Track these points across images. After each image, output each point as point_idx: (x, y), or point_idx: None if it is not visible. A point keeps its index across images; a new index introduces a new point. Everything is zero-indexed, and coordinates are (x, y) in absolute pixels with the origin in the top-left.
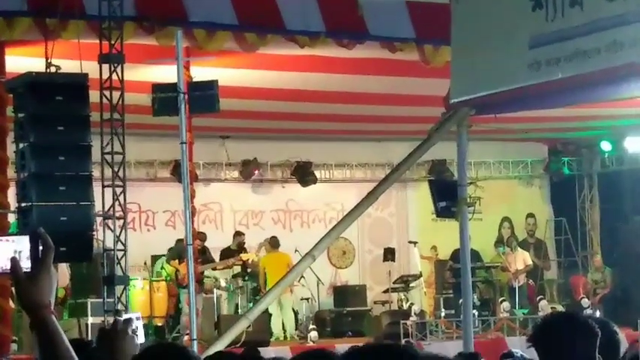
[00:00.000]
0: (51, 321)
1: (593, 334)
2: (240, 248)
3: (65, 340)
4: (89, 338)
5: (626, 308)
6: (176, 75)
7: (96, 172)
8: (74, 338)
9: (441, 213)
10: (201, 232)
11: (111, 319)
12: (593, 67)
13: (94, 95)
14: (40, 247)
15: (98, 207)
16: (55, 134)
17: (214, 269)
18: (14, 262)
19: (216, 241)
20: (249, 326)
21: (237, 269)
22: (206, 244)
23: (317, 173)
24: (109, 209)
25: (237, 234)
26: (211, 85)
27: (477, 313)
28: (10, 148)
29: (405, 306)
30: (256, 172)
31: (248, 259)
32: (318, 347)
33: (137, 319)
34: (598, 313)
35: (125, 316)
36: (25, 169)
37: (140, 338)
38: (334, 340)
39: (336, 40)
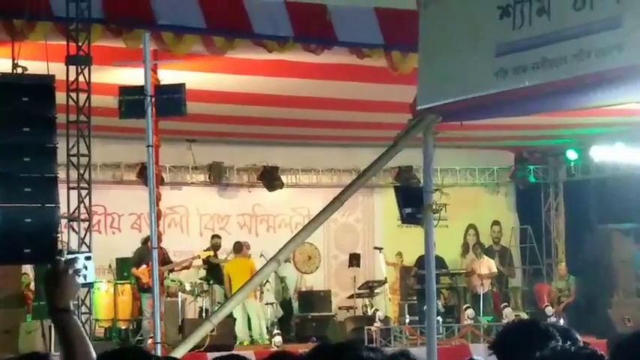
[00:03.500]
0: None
1: (553, 341)
2: (215, 250)
3: (83, 338)
4: (52, 340)
5: (590, 317)
6: (143, 78)
7: (61, 174)
8: (33, 352)
9: (407, 219)
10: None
11: None
12: (559, 75)
13: (60, 97)
14: None
15: (63, 209)
16: (21, 135)
17: (172, 271)
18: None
19: (182, 245)
20: (214, 330)
21: (203, 273)
22: (171, 247)
23: (283, 178)
24: (74, 211)
25: (214, 237)
26: (178, 88)
27: (441, 320)
28: None
29: (370, 312)
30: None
31: (207, 257)
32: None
33: (87, 258)
34: (562, 322)
35: (69, 256)
36: None
37: (90, 277)
38: (298, 345)
39: (304, 46)
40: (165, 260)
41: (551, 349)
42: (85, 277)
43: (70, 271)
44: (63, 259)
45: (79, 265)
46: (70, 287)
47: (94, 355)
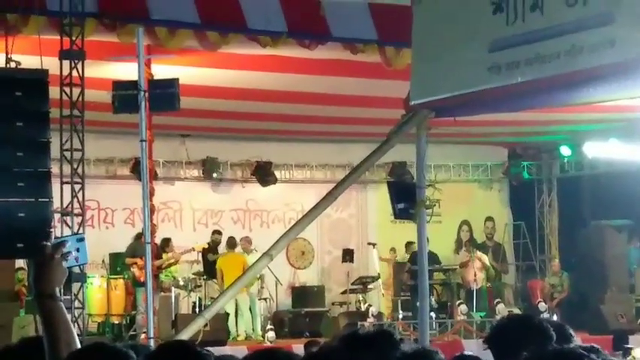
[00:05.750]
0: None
1: (547, 336)
2: (215, 246)
3: (67, 327)
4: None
5: (583, 313)
6: (137, 72)
7: (55, 169)
8: (29, 337)
9: (399, 215)
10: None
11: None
12: (552, 71)
13: (53, 91)
14: None
15: (56, 204)
16: (14, 130)
17: (160, 267)
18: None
19: (176, 240)
20: (207, 325)
21: (198, 268)
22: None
23: (277, 173)
24: (67, 206)
25: (215, 232)
26: (172, 83)
27: (434, 316)
28: None
29: (363, 307)
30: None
31: (205, 254)
32: (273, 347)
33: (79, 240)
34: (555, 317)
35: (56, 241)
36: None
37: (82, 258)
38: (292, 340)
39: (298, 41)
40: (158, 255)
41: (535, 351)
42: (76, 258)
43: (57, 257)
44: (50, 244)
45: (71, 247)
46: (56, 273)
47: (78, 344)
